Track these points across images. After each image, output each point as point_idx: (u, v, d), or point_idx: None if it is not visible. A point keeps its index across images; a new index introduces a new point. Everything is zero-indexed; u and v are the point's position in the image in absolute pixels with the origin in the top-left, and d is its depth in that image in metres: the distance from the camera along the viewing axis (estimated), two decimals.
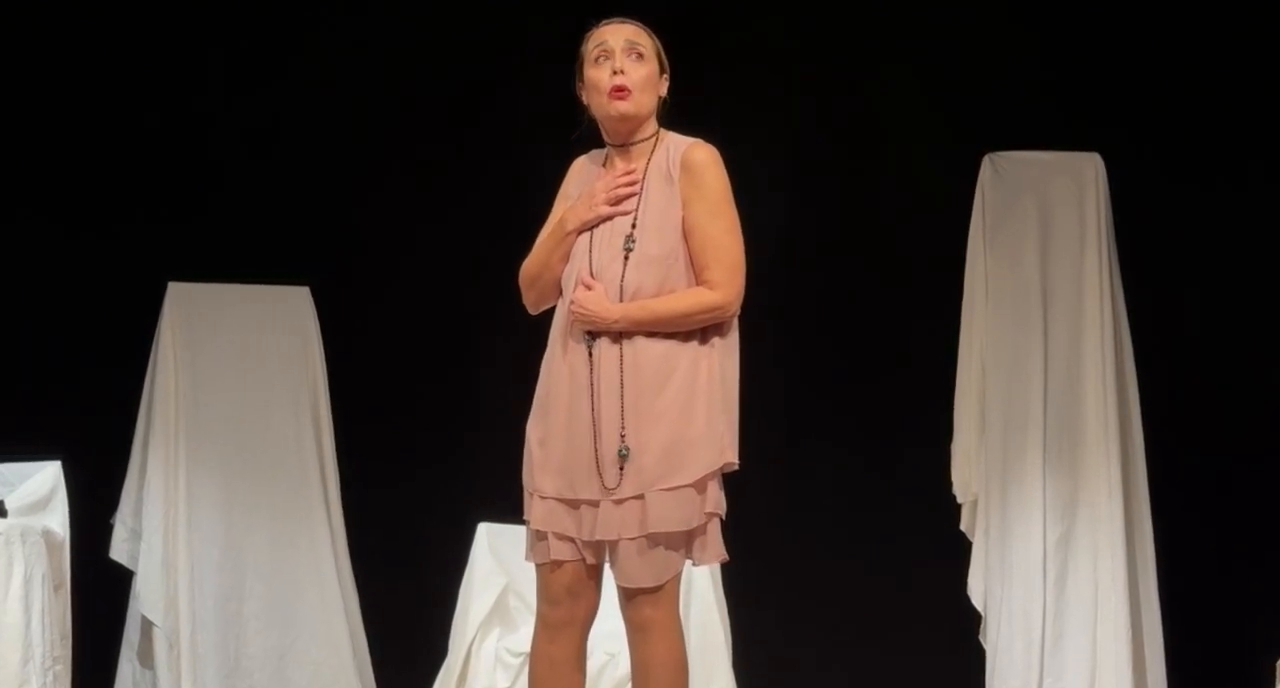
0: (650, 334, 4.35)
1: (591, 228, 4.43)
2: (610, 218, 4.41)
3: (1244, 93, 7.34)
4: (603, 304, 4.35)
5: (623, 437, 4.32)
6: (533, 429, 4.47)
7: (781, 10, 7.62)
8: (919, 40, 7.54)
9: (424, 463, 7.58)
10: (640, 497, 4.30)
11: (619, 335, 4.36)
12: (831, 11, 7.54)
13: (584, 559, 4.40)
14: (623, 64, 4.41)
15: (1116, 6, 7.41)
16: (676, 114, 4.53)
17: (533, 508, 4.45)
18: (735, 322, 4.45)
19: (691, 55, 7.25)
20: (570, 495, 4.39)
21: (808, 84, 7.59)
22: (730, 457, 4.38)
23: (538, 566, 4.46)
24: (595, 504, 4.35)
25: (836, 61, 7.60)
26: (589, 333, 4.39)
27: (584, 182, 4.54)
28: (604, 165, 4.54)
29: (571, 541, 4.40)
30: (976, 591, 6.78)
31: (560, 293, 4.48)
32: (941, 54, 7.50)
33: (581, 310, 4.35)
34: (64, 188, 7.65)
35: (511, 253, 4.65)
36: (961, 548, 6.82)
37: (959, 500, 6.86)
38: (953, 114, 7.43)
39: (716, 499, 4.37)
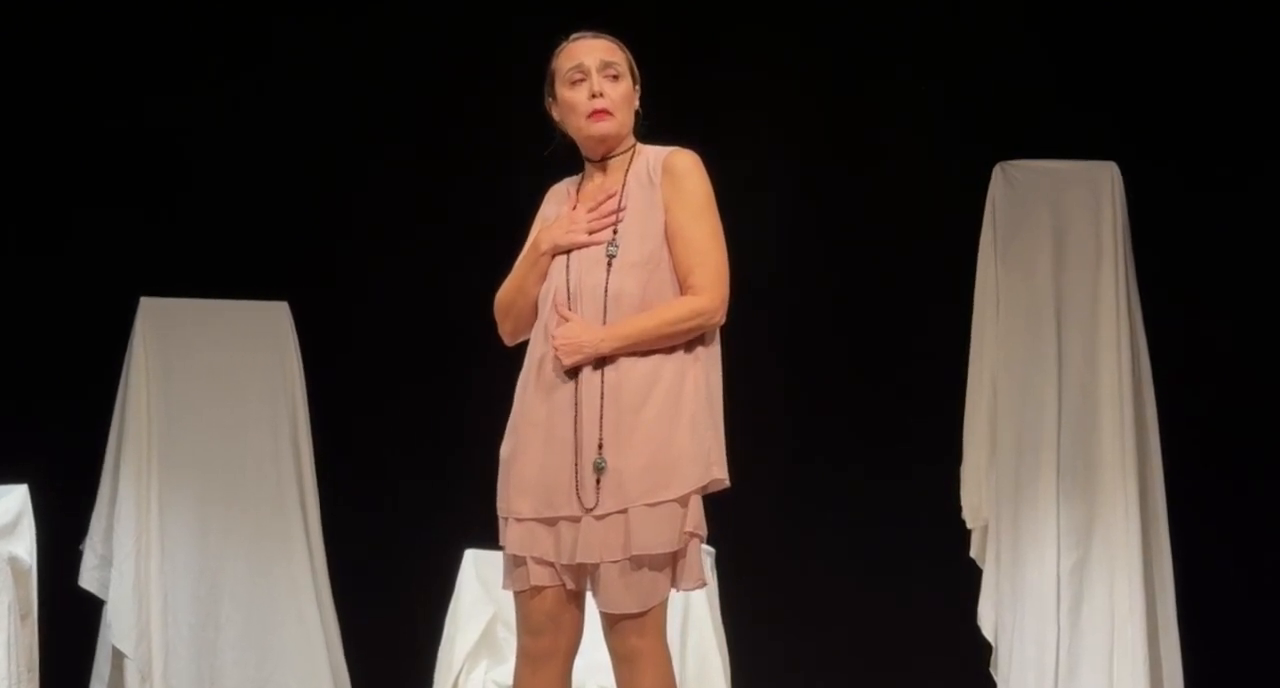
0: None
1: (566, 252, 4.43)
2: (586, 245, 4.41)
3: (1264, 100, 7.32)
4: (587, 329, 4.31)
5: (600, 448, 4.25)
6: (507, 450, 4.43)
7: (787, 15, 7.63)
8: (927, 45, 7.53)
9: (408, 486, 7.54)
10: (623, 512, 4.24)
11: None
12: (839, 16, 7.55)
13: (564, 585, 4.34)
14: (600, 86, 4.43)
15: (1133, 11, 7.39)
16: (680, 121, 4.52)
17: (508, 533, 4.39)
18: (718, 333, 4.41)
19: (695, 60, 7.24)
20: (549, 513, 4.32)
21: (812, 90, 7.60)
22: (718, 473, 4.33)
23: (516, 594, 4.39)
24: (575, 521, 4.28)
25: (842, 67, 7.61)
26: None
27: (562, 205, 4.55)
28: (581, 183, 4.55)
29: (551, 565, 4.33)
30: (987, 620, 6.73)
31: (536, 318, 4.47)
32: (950, 58, 7.49)
33: (565, 342, 4.32)
34: (31, 199, 7.61)
35: (496, 265, 4.64)
36: (971, 575, 6.77)
37: (969, 526, 6.81)
38: (962, 120, 7.42)
39: (697, 519, 4.29)
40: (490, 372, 4.87)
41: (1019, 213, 6.78)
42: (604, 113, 4.40)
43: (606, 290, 4.32)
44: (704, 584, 4.33)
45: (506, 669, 6.04)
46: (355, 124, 7.64)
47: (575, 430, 4.27)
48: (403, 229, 7.59)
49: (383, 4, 7.70)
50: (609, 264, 4.34)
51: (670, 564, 4.25)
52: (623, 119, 4.44)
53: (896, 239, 7.41)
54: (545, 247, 4.43)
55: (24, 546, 6.23)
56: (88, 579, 6.94)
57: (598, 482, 4.24)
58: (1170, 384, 6.81)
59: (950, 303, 6.94)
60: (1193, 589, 6.72)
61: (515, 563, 4.35)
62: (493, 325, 4.56)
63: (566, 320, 4.34)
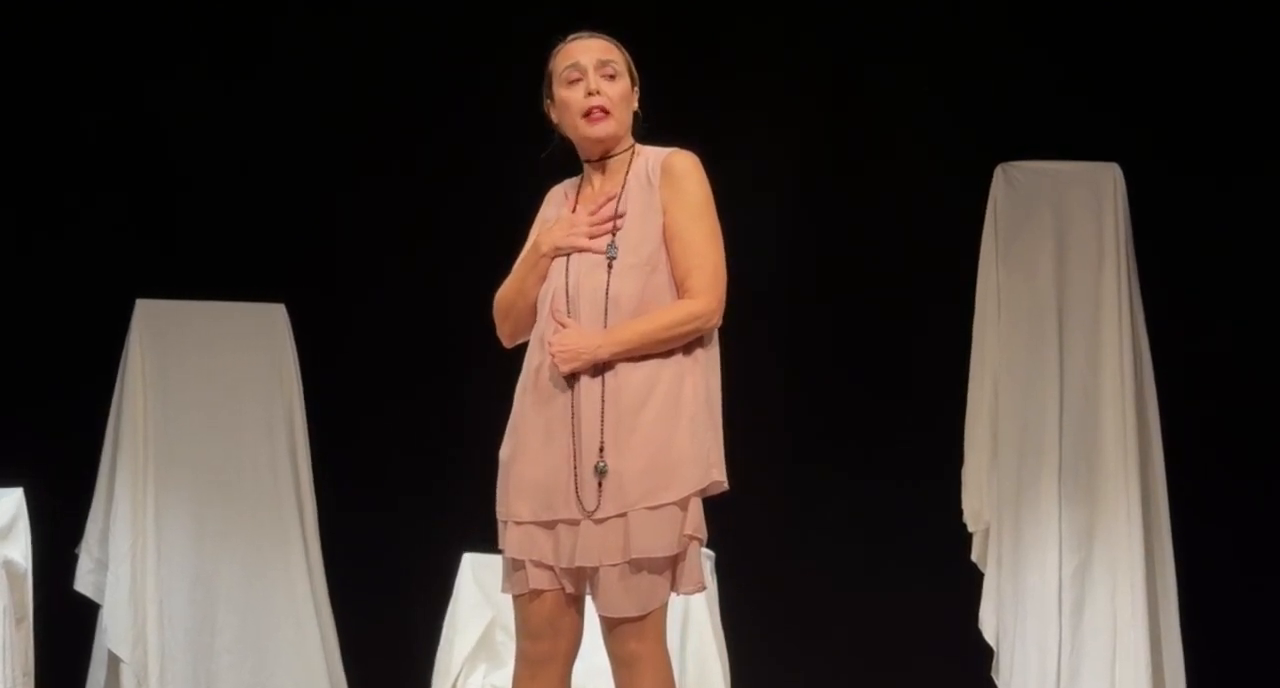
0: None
1: (567, 254, 4.40)
2: (587, 250, 4.38)
3: (1265, 101, 7.30)
4: (584, 335, 4.28)
5: (601, 451, 4.22)
6: (506, 453, 4.40)
7: (787, 15, 7.62)
8: (927, 45, 7.51)
9: (406, 489, 7.50)
10: (623, 515, 4.21)
11: None
12: (839, 16, 7.54)
13: (563, 588, 4.31)
14: (597, 84, 4.40)
15: (1134, 11, 7.38)
16: (680, 121, 4.50)
17: (507, 536, 4.37)
18: (716, 336, 4.39)
19: (695, 60, 7.21)
20: (548, 516, 4.29)
21: (812, 90, 7.59)
22: (717, 476, 4.31)
23: (515, 597, 4.37)
24: (575, 524, 4.26)
25: (842, 67, 7.60)
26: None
27: (561, 208, 4.53)
28: (580, 185, 4.53)
29: (550, 569, 4.31)
30: (988, 624, 6.71)
31: (535, 320, 4.45)
32: (950, 58, 7.47)
33: (562, 349, 4.28)
34: (27, 200, 7.58)
35: (495, 267, 4.62)
36: (972, 579, 6.75)
37: (970, 529, 6.79)
38: (962, 121, 7.39)
39: (697, 522, 4.27)
40: (489, 374, 4.84)
41: (1020, 214, 6.76)
42: (601, 111, 4.37)
43: (607, 293, 4.29)
44: (703, 588, 4.32)
45: (505, 674, 6.05)
46: (354, 125, 7.60)
47: (575, 434, 4.25)
48: (401, 230, 7.56)
49: (383, 4, 7.67)
50: (609, 266, 4.31)
51: (670, 568, 4.23)
52: (620, 118, 4.40)
53: (897, 240, 7.39)
54: (545, 248, 4.40)
55: (19, 549, 6.22)
56: (83, 583, 6.89)
57: (599, 485, 4.21)
58: (1173, 386, 6.79)
59: (950, 304, 6.92)
60: (1195, 593, 6.70)
61: (514, 566, 4.32)
62: (492, 327, 4.54)
63: (563, 327, 4.31)
